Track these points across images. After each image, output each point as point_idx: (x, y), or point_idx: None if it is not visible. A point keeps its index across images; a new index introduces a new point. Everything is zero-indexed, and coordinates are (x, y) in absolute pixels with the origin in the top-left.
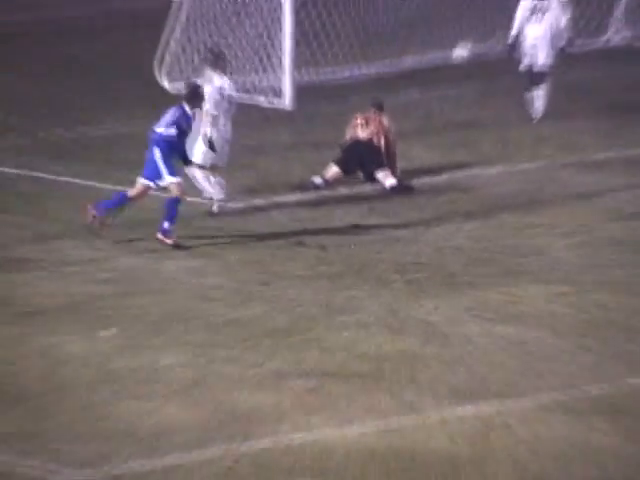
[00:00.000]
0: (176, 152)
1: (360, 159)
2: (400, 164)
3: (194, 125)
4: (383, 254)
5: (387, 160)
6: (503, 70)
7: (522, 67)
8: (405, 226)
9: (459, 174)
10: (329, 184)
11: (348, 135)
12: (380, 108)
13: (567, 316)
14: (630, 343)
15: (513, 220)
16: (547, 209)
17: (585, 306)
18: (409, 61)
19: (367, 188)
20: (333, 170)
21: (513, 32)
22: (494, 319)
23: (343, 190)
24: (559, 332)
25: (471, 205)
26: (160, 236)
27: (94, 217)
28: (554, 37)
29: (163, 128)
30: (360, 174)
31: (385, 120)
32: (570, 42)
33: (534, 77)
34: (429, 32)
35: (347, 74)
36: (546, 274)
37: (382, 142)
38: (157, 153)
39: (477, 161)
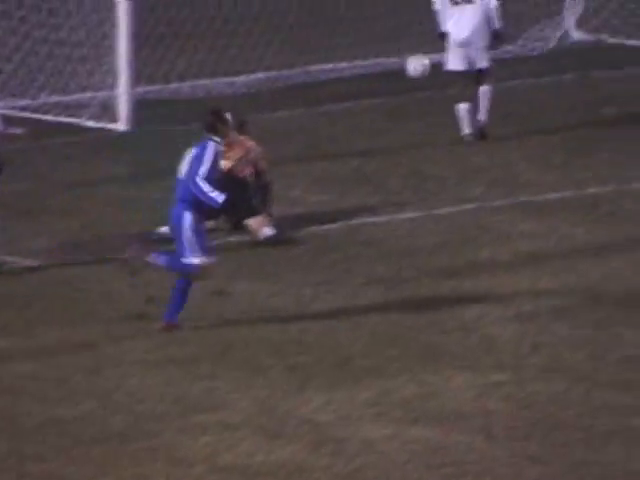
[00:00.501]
0: None
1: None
2: (278, 206)
3: None
4: (255, 330)
5: (259, 197)
6: (417, 83)
7: (452, 67)
8: (285, 292)
9: (358, 221)
10: None
11: None
12: (241, 127)
13: (503, 414)
14: (588, 450)
15: (432, 284)
16: (477, 269)
17: (527, 400)
18: (291, 73)
19: (233, 239)
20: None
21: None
22: (404, 418)
23: None
24: (493, 436)
25: (375, 263)
26: None
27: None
28: (488, 23)
29: None
30: (223, 219)
31: (253, 144)
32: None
33: (476, 80)
34: (320, 36)
35: (203, 89)
36: (475, 357)
37: (250, 172)
38: None
39: (383, 203)
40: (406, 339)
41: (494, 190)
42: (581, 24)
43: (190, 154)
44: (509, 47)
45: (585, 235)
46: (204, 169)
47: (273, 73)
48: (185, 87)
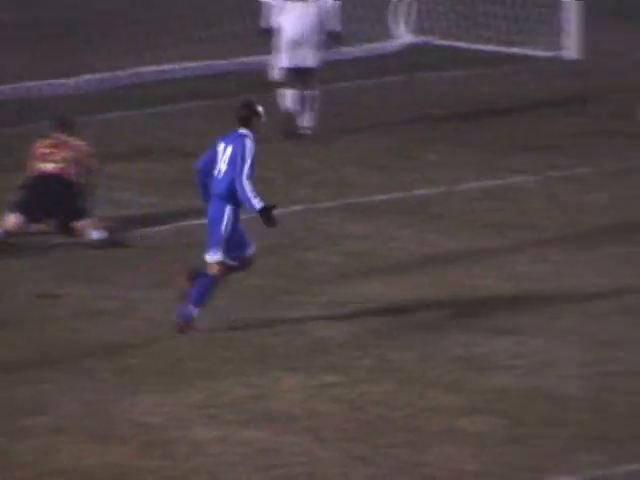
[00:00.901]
0: None
1: (49, 200)
2: (107, 208)
3: None
4: (83, 333)
5: (87, 199)
6: (244, 86)
7: (278, 72)
8: (114, 294)
9: (187, 223)
10: (8, 238)
11: (31, 169)
12: (65, 128)
13: (333, 415)
14: (416, 451)
15: (262, 285)
16: (306, 270)
17: (358, 402)
18: (121, 75)
19: (61, 241)
20: (12, 219)
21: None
22: (235, 420)
23: (28, 245)
24: (323, 437)
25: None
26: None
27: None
28: (321, 23)
29: None
30: (51, 222)
31: (82, 144)
32: (338, 36)
33: (302, 80)
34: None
35: (34, 90)
36: (305, 359)
37: (79, 173)
38: None
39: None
40: (236, 341)
41: (321, 192)
42: (410, 26)
43: (226, 151)
44: (340, 49)
45: (413, 236)
46: (247, 168)
47: (104, 75)
48: (16, 88)
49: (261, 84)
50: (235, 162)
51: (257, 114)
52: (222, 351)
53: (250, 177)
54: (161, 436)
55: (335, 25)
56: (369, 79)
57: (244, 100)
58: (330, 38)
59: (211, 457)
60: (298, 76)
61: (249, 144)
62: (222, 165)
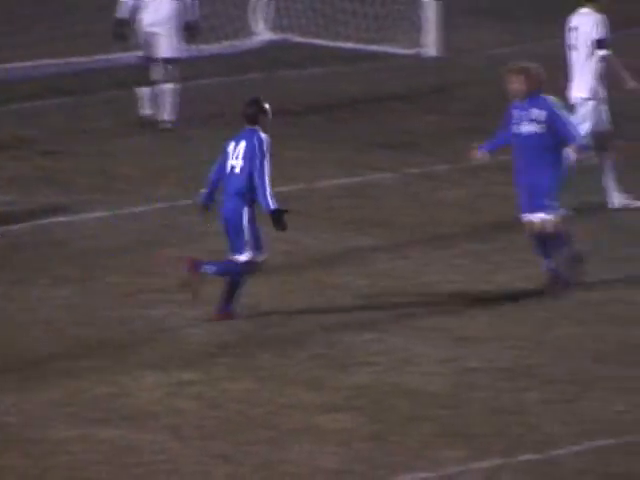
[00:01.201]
0: None
1: None
2: None
3: None
4: None
5: None
6: (103, 82)
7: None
8: None
9: (46, 220)
10: None
11: None
12: None
13: (193, 413)
14: (276, 448)
15: (121, 283)
16: (167, 270)
17: (218, 399)
18: None
19: None
20: None
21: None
22: (95, 418)
23: None
24: (183, 435)
25: (62, 264)
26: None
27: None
28: (179, 14)
29: None
30: None
31: None
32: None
33: (160, 71)
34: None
35: None
36: (165, 357)
37: None
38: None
39: (70, 202)
40: (95, 339)
41: (183, 189)
42: (269, 24)
43: (238, 148)
44: (199, 46)
45: (272, 233)
46: (266, 162)
47: None
48: None
49: (121, 81)
50: (253, 156)
51: (264, 111)
52: (81, 349)
53: (269, 174)
54: (20, 435)
55: (192, 15)
56: (228, 76)
57: (251, 98)
58: (187, 29)
59: (70, 455)
60: (156, 67)
61: (265, 137)
62: (236, 161)
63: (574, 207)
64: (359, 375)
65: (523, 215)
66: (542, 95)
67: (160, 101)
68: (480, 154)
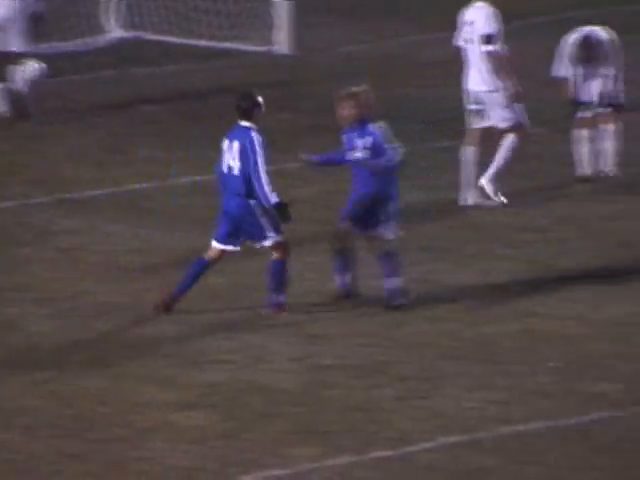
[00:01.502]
0: None
1: None
2: None
3: None
4: None
5: None
6: None
7: None
8: None
9: None
10: None
11: None
12: None
13: (46, 411)
14: (129, 446)
15: None
16: (19, 266)
17: (70, 397)
18: None
19: None
20: None
21: None
22: None
23: None
24: (35, 433)
25: None
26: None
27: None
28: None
29: None
30: None
31: None
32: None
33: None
34: None
35: None
36: (18, 354)
37: None
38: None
39: None
40: None
41: (35, 187)
42: (120, 21)
43: (233, 147)
44: (51, 43)
45: (126, 231)
46: (260, 160)
47: None
48: None
49: None
50: (247, 156)
51: (258, 105)
52: None
53: (266, 170)
54: None
55: (38, 6)
56: (81, 74)
57: (244, 91)
58: (34, 19)
59: None
60: (6, 63)
61: (256, 136)
62: (232, 162)
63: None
64: (213, 373)
65: (361, 232)
66: (369, 121)
67: (9, 96)
68: (306, 157)
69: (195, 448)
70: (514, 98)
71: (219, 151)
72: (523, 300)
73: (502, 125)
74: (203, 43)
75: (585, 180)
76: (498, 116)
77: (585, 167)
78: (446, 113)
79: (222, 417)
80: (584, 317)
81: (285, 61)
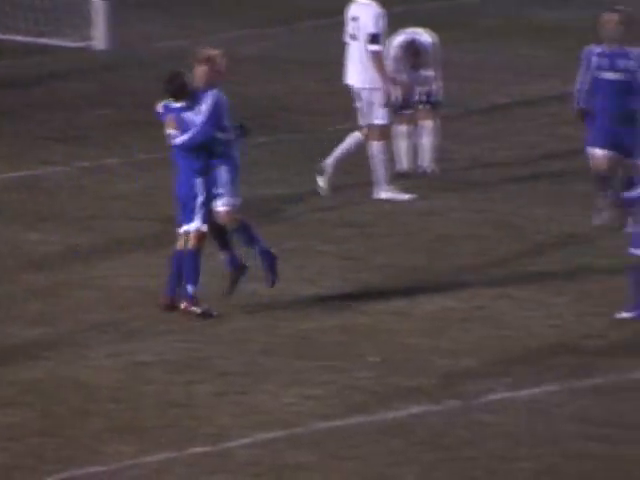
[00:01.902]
0: None
1: None
2: None
3: None
4: None
5: None
6: None
7: None
8: None
9: None
10: None
11: None
12: None
13: None
14: None
15: None
16: None
17: None
18: None
19: None
20: None
21: None
22: None
23: None
24: None
25: None
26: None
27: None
28: None
29: None
30: None
31: None
32: None
33: None
34: None
35: None
36: None
37: None
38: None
39: None
40: None
41: None
42: None
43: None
44: None
45: None
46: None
47: None
48: None
49: None
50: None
51: (188, 84)
52: None
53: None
54: None
55: None
56: None
57: (172, 72)
58: None
59: None
60: None
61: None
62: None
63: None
64: (30, 370)
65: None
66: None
67: None
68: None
69: (11, 445)
70: (388, 98)
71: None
72: (340, 296)
73: (376, 122)
74: (20, 39)
75: (403, 175)
76: (374, 114)
77: (403, 162)
78: (263, 110)
79: (39, 414)
80: (401, 312)
81: (102, 56)
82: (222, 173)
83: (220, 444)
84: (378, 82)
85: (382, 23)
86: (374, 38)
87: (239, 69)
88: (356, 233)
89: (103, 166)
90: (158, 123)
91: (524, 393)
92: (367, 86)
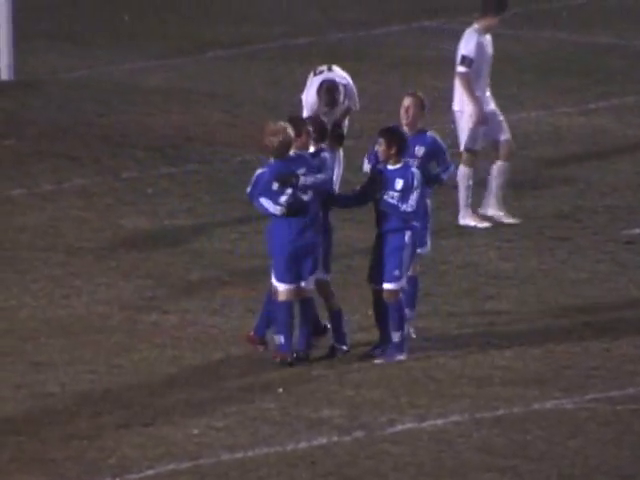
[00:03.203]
0: None
1: None
2: None
3: None
4: None
5: None
6: None
7: None
8: None
9: None
10: None
11: None
12: None
13: None
14: None
15: None
16: None
17: None
18: None
19: None
20: None
21: None
22: None
23: None
24: None
25: None
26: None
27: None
28: None
29: None
30: None
31: None
32: None
33: None
34: None
35: None
36: None
37: None
38: None
39: None
40: None
41: None
42: None
43: None
44: None
45: None
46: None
47: None
48: None
49: None
50: None
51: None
52: None
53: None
54: None
55: None
56: None
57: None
58: None
59: None
60: None
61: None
62: None
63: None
64: None
65: None
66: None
67: None
68: None
69: None
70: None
71: None
72: (246, 327)
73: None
74: None
75: None
76: (460, 138)
77: None
78: (169, 140)
79: None
80: None
81: (8, 87)
82: None
83: (124, 476)
84: (464, 104)
85: (474, 46)
86: (463, 60)
87: (144, 100)
88: (262, 264)
89: (9, 197)
90: (63, 153)
91: (429, 424)
92: (456, 108)
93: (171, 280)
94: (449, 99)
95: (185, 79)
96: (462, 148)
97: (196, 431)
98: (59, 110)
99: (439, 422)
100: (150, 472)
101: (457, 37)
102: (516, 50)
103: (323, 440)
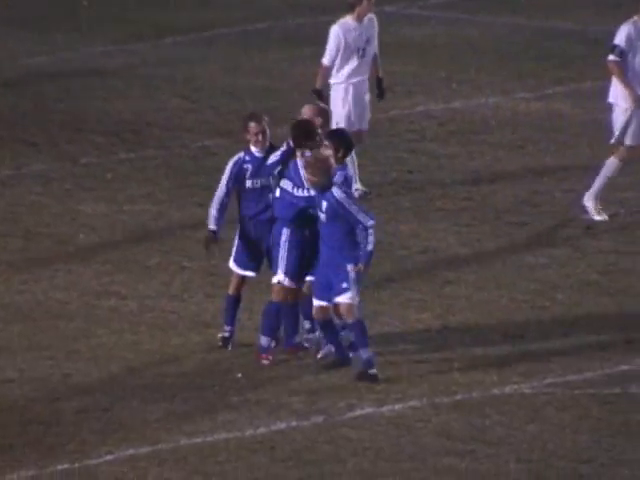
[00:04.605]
0: None
1: None
2: None
3: None
4: None
5: None
6: None
7: None
8: None
9: None
10: None
11: None
12: None
13: None
14: None
15: None
16: None
17: None
18: None
19: None
20: None
21: None
22: None
23: None
24: None
25: None
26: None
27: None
28: None
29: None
30: None
31: None
32: None
33: None
34: None
35: None
36: None
37: None
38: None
39: None
40: None
41: None
42: None
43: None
44: None
45: None
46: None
47: None
48: None
49: None
50: None
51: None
52: None
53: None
54: None
55: None
56: None
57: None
58: None
59: None
60: None
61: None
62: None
63: None
64: None
65: None
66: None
67: None
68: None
69: None
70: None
71: None
72: (205, 312)
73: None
74: None
75: None
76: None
77: None
78: (128, 125)
79: None
80: None
81: None
82: None
83: (83, 461)
84: (616, 97)
85: (626, 35)
86: (614, 48)
87: (103, 85)
88: (222, 249)
89: None
90: (27, 140)
91: (388, 409)
92: (611, 100)
93: (130, 266)
94: (406, 84)
95: (144, 64)
96: (613, 141)
97: (155, 416)
98: (18, 96)
99: (398, 407)
100: (109, 457)
101: (414, 22)
102: (474, 35)
103: (282, 425)
